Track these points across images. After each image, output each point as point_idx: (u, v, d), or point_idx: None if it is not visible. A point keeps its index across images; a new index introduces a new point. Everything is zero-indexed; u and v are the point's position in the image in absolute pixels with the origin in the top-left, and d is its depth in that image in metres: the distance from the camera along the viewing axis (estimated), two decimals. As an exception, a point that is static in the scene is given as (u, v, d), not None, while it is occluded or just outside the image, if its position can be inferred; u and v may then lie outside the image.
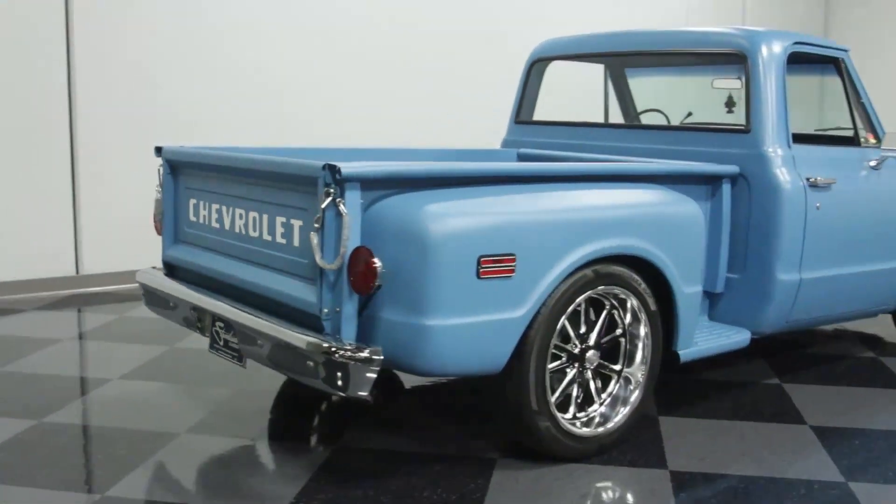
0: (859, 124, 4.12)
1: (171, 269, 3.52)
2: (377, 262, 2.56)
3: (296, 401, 3.68)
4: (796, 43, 3.84)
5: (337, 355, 2.55)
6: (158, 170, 3.52)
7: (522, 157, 4.62)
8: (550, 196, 2.89)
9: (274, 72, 6.28)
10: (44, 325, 4.76)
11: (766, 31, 3.82)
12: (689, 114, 4.98)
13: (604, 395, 3.18)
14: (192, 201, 3.41)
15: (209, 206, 3.30)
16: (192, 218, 3.42)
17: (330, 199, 2.58)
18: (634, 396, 3.20)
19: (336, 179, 2.57)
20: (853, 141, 4.15)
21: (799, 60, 4.23)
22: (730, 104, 4.74)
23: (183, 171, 3.46)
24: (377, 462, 3.03)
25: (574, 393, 3.10)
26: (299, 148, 3.89)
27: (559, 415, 2.97)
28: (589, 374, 3.12)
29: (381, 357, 2.55)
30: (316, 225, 2.63)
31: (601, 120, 4.98)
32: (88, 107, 5.55)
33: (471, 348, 2.70)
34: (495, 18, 7.34)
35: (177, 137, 5.53)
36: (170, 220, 3.53)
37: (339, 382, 2.57)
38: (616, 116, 5.14)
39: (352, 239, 2.59)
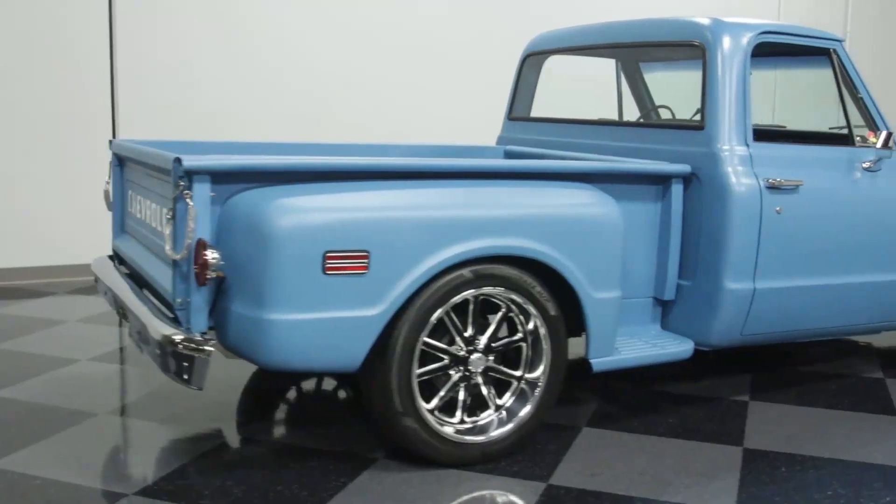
0: (854, 122, 3.74)
1: (120, 259, 3.70)
2: (209, 254, 2.58)
3: (253, 391, 3.77)
4: (764, 33, 3.53)
5: (181, 346, 2.60)
6: (109, 162, 3.71)
7: (508, 155, 4.51)
8: (415, 193, 2.80)
9: (314, 70, 6.43)
10: (62, 308, 5.11)
11: (730, 19, 3.53)
12: (698, 110, 4.67)
13: (500, 402, 3.06)
14: (130, 193, 3.57)
15: (136, 197, 3.45)
16: (129, 209, 3.58)
17: (179, 190, 2.64)
18: (529, 405, 3.06)
19: (185, 172, 2.62)
20: (847, 140, 3.78)
21: (778, 52, 3.91)
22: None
23: (125, 164, 3.63)
24: (260, 454, 3.06)
25: (461, 397, 3.00)
26: (277, 143, 4.03)
27: (430, 417, 2.89)
28: (479, 378, 3.01)
29: (209, 349, 2.58)
30: (168, 216, 2.70)
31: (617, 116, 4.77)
32: (128, 103, 5.89)
33: (317, 344, 2.68)
34: (535, 16, 7.15)
35: (210, 134, 5.81)
36: (118, 211, 3.71)
37: (185, 375, 2.62)
38: (632, 113, 4.92)
39: (198, 231, 2.63)
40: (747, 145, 3.44)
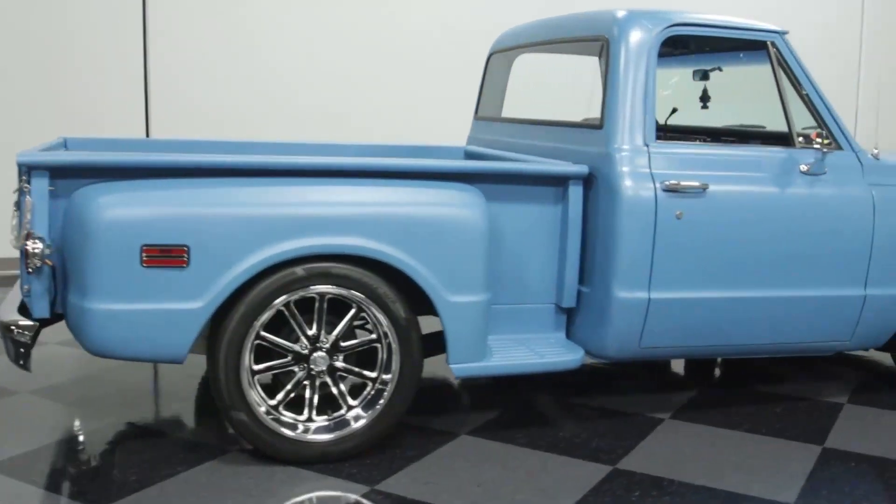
0: (795, 121, 3.42)
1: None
2: (29, 245, 2.71)
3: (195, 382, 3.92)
4: (675, 25, 3.30)
5: (14, 332, 2.77)
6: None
7: (468, 155, 4.43)
8: (240, 191, 2.82)
9: (331, 75, 6.53)
10: None
11: (637, 11, 3.32)
12: (674, 110, 4.41)
13: (353, 403, 3.03)
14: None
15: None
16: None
17: (20, 184, 2.80)
18: (377, 409, 3.00)
19: (24, 167, 2.78)
20: (786, 141, 3.46)
21: (720, 47, 3.66)
22: (704, 98, 4.12)
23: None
24: (117, 439, 3.18)
25: (307, 394, 3.00)
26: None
27: (261, 412, 2.90)
28: (327, 377, 2.99)
29: (28, 335, 2.72)
30: (15, 209, 2.87)
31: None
32: (161, 104, 6.25)
33: (138, 334, 2.76)
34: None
35: (231, 134, 6.06)
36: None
37: (20, 360, 2.79)
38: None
39: (35, 223, 2.78)
40: (647, 145, 3.23)
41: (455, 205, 3.00)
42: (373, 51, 6.66)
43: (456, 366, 3.06)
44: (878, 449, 3.21)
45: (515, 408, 3.62)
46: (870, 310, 3.51)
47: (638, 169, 3.19)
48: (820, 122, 3.48)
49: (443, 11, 6.82)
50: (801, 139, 3.44)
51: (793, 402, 3.72)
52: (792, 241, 3.36)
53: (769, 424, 3.44)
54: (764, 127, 4.15)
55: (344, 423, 3.00)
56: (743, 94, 4.48)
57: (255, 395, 2.90)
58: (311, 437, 2.96)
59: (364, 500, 2.72)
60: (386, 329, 2.97)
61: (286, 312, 2.91)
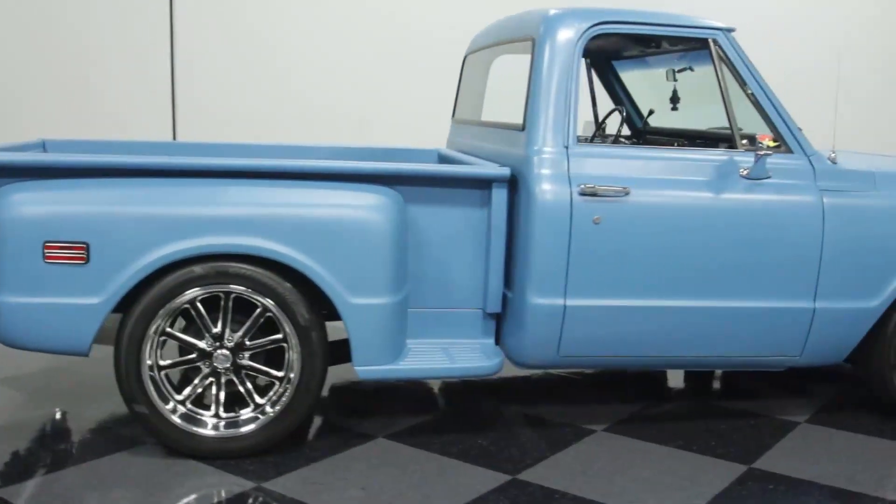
0: (738, 122, 3.26)
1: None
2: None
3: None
4: (602, 24, 3.19)
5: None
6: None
7: (441, 158, 4.41)
8: (140, 191, 2.90)
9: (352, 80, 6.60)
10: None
11: (567, 9, 3.23)
12: (651, 112, 4.27)
13: (260, 401, 3.07)
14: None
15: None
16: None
17: None
18: (278, 408, 3.03)
19: None
20: (729, 143, 3.31)
21: (661, 45, 3.53)
22: (674, 100, 3.97)
23: None
24: (40, 427, 3.33)
25: (214, 391, 3.06)
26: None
27: (161, 405, 2.97)
28: (232, 375, 3.04)
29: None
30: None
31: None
32: (187, 108, 6.48)
33: (42, 327, 2.88)
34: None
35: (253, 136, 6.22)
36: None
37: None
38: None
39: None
40: (566, 147, 3.14)
41: (357, 207, 3.00)
42: (398, 57, 6.72)
43: (360, 368, 3.06)
44: (807, 472, 3.02)
45: (449, 413, 3.59)
46: (821, 324, 3.30)
47: (555, 172, 3.11)
48: (768, 123, 3.31)
49: (467, 19, 6.81)
50: (745, 141, 3.27)
51: (745, 419, 3.54)
52: (726, 250, 3.19)
53: (704, 441, 3.28)
54: (740, 129, 3.96)
55: (246, 420, 3.04)
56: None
57: (162, 390, 2.98)
58: (210, 432, 3.02)
59: (243, 496, 2.76)
60: (287, 330, 3.00)
61: (192, 310, 2.98)
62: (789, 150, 3.31)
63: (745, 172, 3.23)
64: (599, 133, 4.23)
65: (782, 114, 3.30)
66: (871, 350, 3.46)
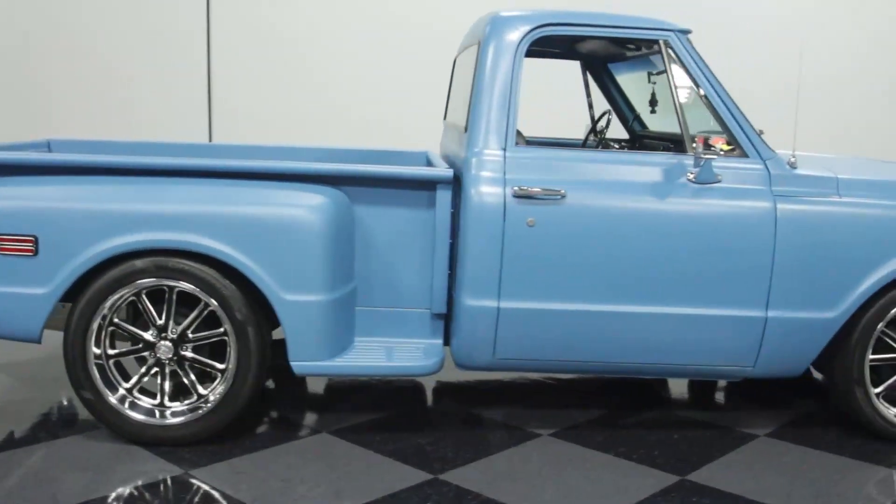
0: (691, 125, 3.19)
1: None
2: None
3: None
4: (546, 26, 3.18)
5: None
6: None
7: (429, 161, 4.45)
8: (87, 188, 3.05)
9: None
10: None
11: (513, 12, 3.23)
12: (606, 111, 4.18)
13: (203, 392, 3.18)
14: None
15: None
16: None
17: None
18: (216, 399, 3.13)
19: None
20: (679, 146, 3.24)
21: (612, 47, 3.49)
22: (652, 102, 3.89)
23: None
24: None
25: (159, 380, 3.19)
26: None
27: (106, 392, 3.11)
28: (175, 365, 3.17)
29: None
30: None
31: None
32: (223, 111, 6.72)
33: (-4, 315, 3.08)
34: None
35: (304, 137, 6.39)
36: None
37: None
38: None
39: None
40: (504, 149, 3.14)
41: (292, 206, 3.08)
42: (430, 63, 6.78)
43: (296, 363, 3.13)
44: (742, 486, 2.92)
45: (404, 412, 3.61)
46: (774, 334, 3.19)
47: (490, 174, 3.11)
48: (722, 126, 3.22)
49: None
50: (697, 145, 3.19)
51: (703, 430, 3.44)
52: (669, 255, 3.12)
53: (648, 450, 3.21)
54: (706, 133, 3.85)
55: (186, 410, 3.15)
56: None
57: (110, 377, 3.12)
58: (153, 420, 3.14)
59: (167, 482, 2.86)
60: (226, 324, 3.10)
61: (139, 303, 3.12)
62: (744, 154, 3.21)
63: (693, 177, 3.15)
64: (595, 137, 4.18)
65: (736, 116, 3.21)
66: (834, 363, 3.31)
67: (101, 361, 3.13)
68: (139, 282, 3.07)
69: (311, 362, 3.14)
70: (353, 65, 6.73)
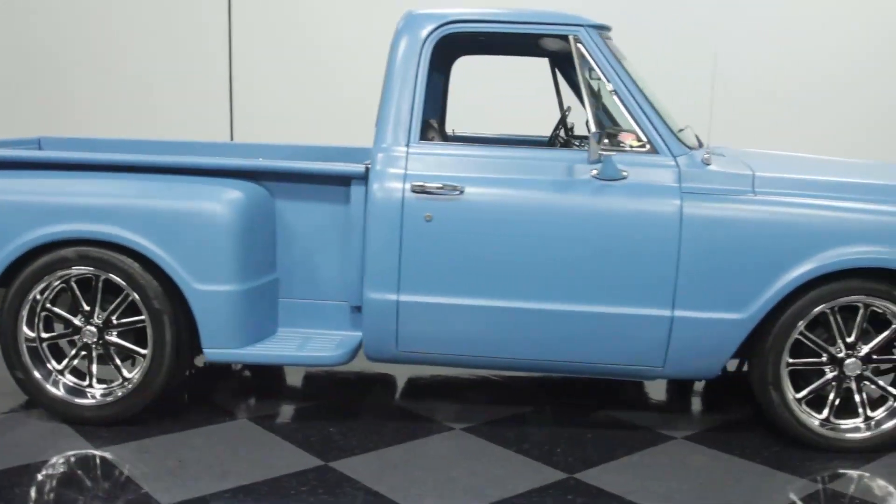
0: (593, 120, 3.16)
1: None
2: None
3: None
4: (451, 23, 3.22)
5: None
6: None
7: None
8: (20, 182, 3.27)
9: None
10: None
11: (423, 11, 3.27)
12: (568, 108, 4.14)
13: (128, 375, 3.35)
14: None
15: None
16: None
17: None
18: (132, 383, 3.30)
19: None
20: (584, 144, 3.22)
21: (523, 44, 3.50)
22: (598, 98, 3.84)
23: None
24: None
25: (87, 363, 3.38)
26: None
27: (36, 374, 3.32)
28: (103, 349, 3.35)
29: None
30: None
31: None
32: (244, 109, 6.98)
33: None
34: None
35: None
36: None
37: None
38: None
39: None
40: (407, 146, 3.19)
41: (205, 200, 3.21)
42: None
43: (207, 350, 3.27)
44: (624, 488, 2.87)
45: (335, 402, 3.71)
46: (681, 334, 3.12)
47: (392, 169, 3.17)
48: (633, 122, 3.18)
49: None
50: (606, 141, 3.16)
51: (619, 430, 3.40)
52: (568, 252, 3.10)
53: (551, 447, 3.20)
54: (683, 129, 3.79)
55: (106, 393, 3.34)
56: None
57: (42, 359, 3.34)
58: (78, 400, 3.33)
59: (74, 457, 3.05)
60: (143, 312, 3.26)
61: (70, 290, 3.32)
62: (654, 151, 3.16)
63: (596, 172, 3.12)
64: (564, 136, 4.17)
65: (647, 112, 3.16)
66: (752, 366, 3.22)
67: (34, 344, 3.35)
68: (66, 270, 3.27)
69: (223, 350, 3.27)
70: (373, 63, 6.87)
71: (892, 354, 3.21)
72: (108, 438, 3.22)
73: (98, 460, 3.04)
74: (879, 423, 3.21)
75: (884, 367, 3.27)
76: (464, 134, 4.46)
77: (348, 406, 3.68)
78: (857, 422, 3.22)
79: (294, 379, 4.01)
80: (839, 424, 3.22)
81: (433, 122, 3.75)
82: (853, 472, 3.05)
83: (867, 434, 3.20)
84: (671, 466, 3.07)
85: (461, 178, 3.14)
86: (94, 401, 3.33)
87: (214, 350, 3.27)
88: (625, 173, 3.13)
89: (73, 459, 3.05)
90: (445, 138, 4.46)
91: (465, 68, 4.62)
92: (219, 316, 3.25)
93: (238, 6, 6.87)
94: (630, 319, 3.12)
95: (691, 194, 3.10)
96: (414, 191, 3.13)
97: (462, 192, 3.12)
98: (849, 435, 3.21)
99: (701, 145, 3.71)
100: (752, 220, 3.08)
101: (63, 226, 3.21)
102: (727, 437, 3.35)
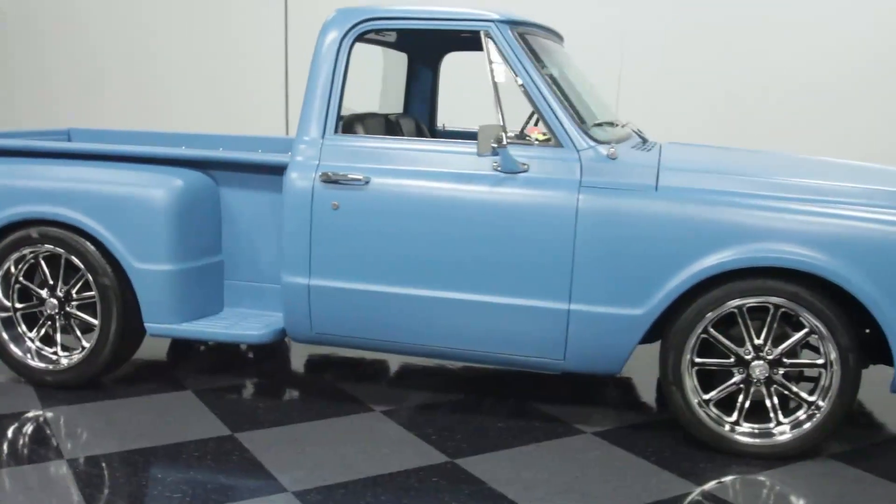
0: (504, 115, 3.21)
1: None
2: None
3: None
4: (366, 21, 3.35)
5: None
6: None
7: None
8: (-2, 168, 3.68)
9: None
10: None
11: (348, 7, 3.41)
12: None
13: (86, 345, 3.69)
14: None
15: None
16: None
17: None
18: (84, 352, 3.63)
19: None
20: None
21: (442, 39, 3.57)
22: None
23: None
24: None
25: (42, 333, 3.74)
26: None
27: (7, 339, 3.70)
28: (70, 319, 3.70)
29: None
30: None
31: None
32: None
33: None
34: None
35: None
36: None
37: None
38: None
39: None
40: (322, 138, 3.34)
41: (146, 186, 3.49)
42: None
43: (148, 325, 3.55)
44: (493, 476, 2.91)
45: (280, 379, 3.91)
46: (579, 327, 3.12)
47: (307, 160, 3.34)
48: (540, 115, 3.20)
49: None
50: (511, 134, 3.21)
51: (532, 422, 3.41)
52: (468, 242, 3.17)
53: (450, 433, 3.27)
54: (615, 124, 3.77)
55: (67, 357, 3.68)
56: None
57: (16, 328, 3.72)
58: (44, 365, 3.69)
59: (22, 417, 3.40)
60: (93, 288, 3.58)
61: (39, 265, 3.69)
62: (559, 144, 3.17)
63: (496, 165, 3.17)
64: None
65: (553, 107, 3.18)
66: (659, 363, 3.18)
67: (8, 314, 3.74)
68: (31, 248, 3.63)
69: (160, 325, 3.54)
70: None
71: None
72: (63, 398, 3.56)
73: (32, 419, 3.37)
74: (790, 428, 3.09)
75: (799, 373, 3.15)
76: (453, 129, 4.57)
77: (287, 382, 3.88)
78: (770, 427, 3.11)
79: (264, 356, 4.25)
80: (749, 429, 3.12)
81: (366, 115, 3.84)
82: (740, 478, 2.96)
83: (777, 440, 3.09)
84: (559, 459, 3.08)
85: (368, 169, 3.27)
86: (51, 366, 3.69)
87: (154, 325, 3.55)
88: (525, 166, 3.16)
89: (8, 416, 3.40)
90: (434, 133, 4.59)
91: (467, 66, 4.74)
92: (156, 293, 3.52)
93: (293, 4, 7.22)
94: (528, 311, 3.15)
95: (590, 188, 3.10)
96: (323, 180, 3.29)
97: (367, 183, 3.25)
98: (757, 440, 3.11)
99: (644, 141, 3.67)
100: (649, 216, 3.04)
101: (26, 207, 3.57)
102: (641, 435, 3.31)
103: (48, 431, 3.24)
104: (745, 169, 3.22)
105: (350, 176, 3.26)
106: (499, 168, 3.17)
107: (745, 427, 3.12)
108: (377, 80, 6.33)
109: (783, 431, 3.09)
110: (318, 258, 3.31)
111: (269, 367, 4.13)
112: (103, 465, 2.96)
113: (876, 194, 3.03)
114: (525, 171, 3.16)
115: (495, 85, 3.21)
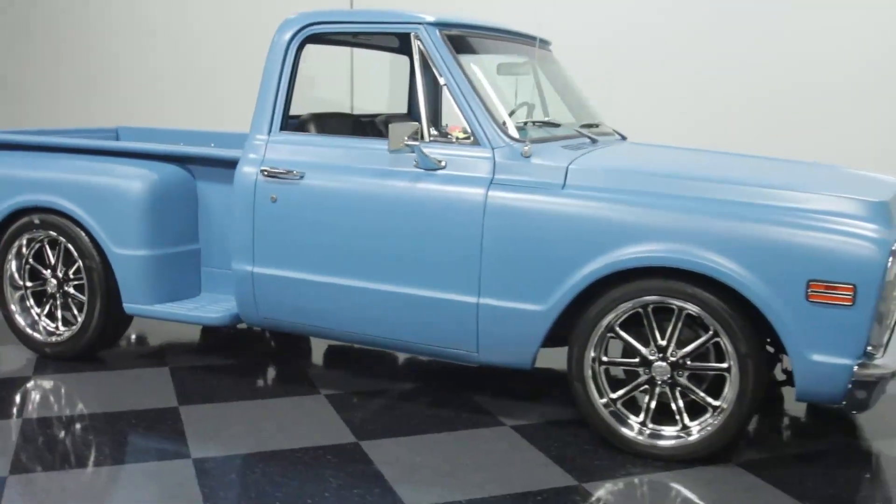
0: (427, 114, 3.35)
1: None
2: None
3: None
4: (312, 25, 3.57)
5: None
6: None
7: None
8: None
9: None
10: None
11: (302, 13, 3.62)
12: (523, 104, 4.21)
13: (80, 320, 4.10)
14: None
15: None
16: None
17: None
18: (76, 327, 4.03)
19: None
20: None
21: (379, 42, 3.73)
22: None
23: None
24: None
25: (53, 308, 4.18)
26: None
27: (16, 314, 4.16)
28: (67, 298, 4.12)
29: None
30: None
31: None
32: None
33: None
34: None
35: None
36: None
37: None
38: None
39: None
40: (268, 135, 3.58)
41: (125, 178, 3.85)
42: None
43: (126, 305, 3.91)
44: (385, 458, 3.04)
45: (248, 363, 4.19)
46: (487, 321, 3.20)
47: (254, 156, 3.59)
48: (460, 114, 3.31)
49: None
50: (434, 132, 3.34)
51: (459, 412, 3.50)
52: (387, 235, 3.31)
53: (371, 419, 3.42)
54: (558, 124, 3.80)
55: (56, 332, 4.10)
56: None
57: (24, 302, 4.19)
58: (39, 336, 4.13)
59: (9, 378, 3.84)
60: (82, 271, 3.98)
61: (44, 248, 4.14)
62: (476, 142, 3.27)
63: (415, 163, 3.30)
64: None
65: (472, 106, 3.27)
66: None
67: (21, 291, 4.21)
68: (36, 233, 4.08)
69: (135, 305, 3.89)
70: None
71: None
72: (56, 367, 3.99)
73: (24, 383, 3.80)
74: (697, 431, 3.04)
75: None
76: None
77: (260, 366, 4.14)
78: (675, 429, 3.08)
79: (283, 343, 4.54)
80: (652, 429, 3.10)
81: (318, 115, 4.01)
82: (626, 479, 2.95)
83: (677, 442, 3.06)
84: (461, 447, 3.17)
85: (304, 165, 3.47)
86: (50, 339, 4.12)
87: (130, 305, 3.90)
88: (442, 163, 3.27)
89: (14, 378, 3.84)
90: (440, 132, 4.74)
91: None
92: (133, 276, 3.87)
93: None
94: (443, 304, 3.26)
95: (500, 185, 3.18)
96: (264, 175, 3.52)
97: (302, 178, 3.46)
98: (659, 441, 3.08)
99: (594, 141, 3.68)
100: (552, 214, 3.09)
101: (30, 196, 4.01)
102: (557, 431, 3.34)
103: (41, 397, 3.64)
104: (675, 170, 3.19)
105: (287, 171, 3.48)
106: (417, 165, 3.30)
107: (648, 428, 3.11)
108: (385, 82, 6.56)
109: (686, 434, 3.06)
110: (260, 247, 3.55)
111: (266, 351, 4.41)
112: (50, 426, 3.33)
113: (801, 199, 2.93)
114: (442, 167, 3.27)
115: (417, 84, 3.34)
